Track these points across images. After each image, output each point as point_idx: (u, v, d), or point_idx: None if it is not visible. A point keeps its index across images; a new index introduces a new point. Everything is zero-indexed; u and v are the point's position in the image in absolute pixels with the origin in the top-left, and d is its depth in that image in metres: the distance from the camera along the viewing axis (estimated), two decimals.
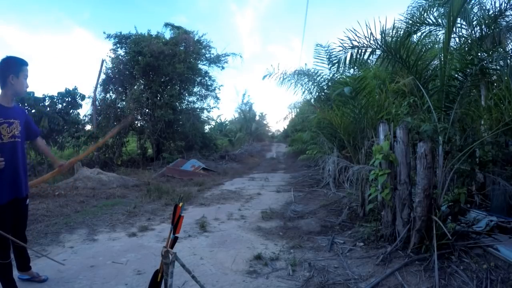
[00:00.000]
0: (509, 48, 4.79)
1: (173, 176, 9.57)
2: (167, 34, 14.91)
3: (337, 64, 3.97)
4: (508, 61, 2.99)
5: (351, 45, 3.51)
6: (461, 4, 2.97)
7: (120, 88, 13.71)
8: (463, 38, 4.31)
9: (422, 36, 4.73)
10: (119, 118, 12.75)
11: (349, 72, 5.56)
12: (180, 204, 1.93)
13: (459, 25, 4.20)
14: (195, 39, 14.55)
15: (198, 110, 15.61)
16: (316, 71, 5.97)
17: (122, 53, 13.55)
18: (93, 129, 11.85)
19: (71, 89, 11.42)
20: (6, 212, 2.17)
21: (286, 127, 26.84)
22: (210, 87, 15.63)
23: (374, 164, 3.28)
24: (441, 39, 4.31)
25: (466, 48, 3.92)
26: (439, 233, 2.79)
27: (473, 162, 3.19)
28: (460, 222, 3.44)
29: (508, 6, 3.94)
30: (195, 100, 15.79)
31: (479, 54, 3.40)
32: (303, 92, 6.37)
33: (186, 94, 15.29)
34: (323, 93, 6.11)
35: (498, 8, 4.01)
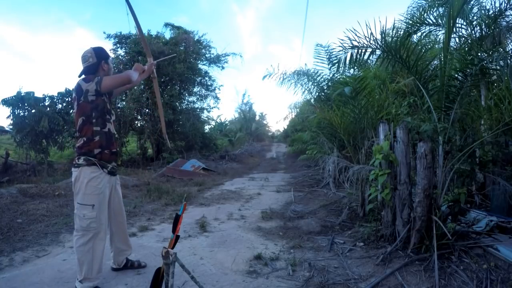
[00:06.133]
0: (509, 48, 4.79)
1: (173, 176, 9.56)
2: (167, 34, 14.93)
3: (337, 64, 3.96)
4: (508, 61, 2.99)
5: (351, 45, 3.51)
6: (461, 4, 2.97)
7: None
8: (463, 38, 4.30)
9: (422, 36, 4.72)
10: (119, 118, 12.73)
11: (349, 72, 5.54)
12: (185, 203, 1.95)
13: (459, 25, 4.20)
14: (195, 39, 14.55)
15: (198, 110, 15.62)
16: (316, 71, 5.95)
17: (122, 53, 13.56)
18: None
19: (71, 89, 11.43)
20: None
21: (286, 127, 26.86)
22: (210, 87, 15.66)
23: (374, 164, 3.28)
24: (441, 39, 4.31)
25: (466, 48, 3.92)
26: (439, 233, 2.79)
27: (473, 162, 3.18)
28: (460, 222, 3.45)
29: (508, 6, 3.93)
30: (195, 100, 15.83)
31: (479, 54, 3.40)
32: (303, 92, 6.35)
33: (186, 94, 15.30)
34: (323, 93, 6.10)
35: (498, 8, 4.00)
